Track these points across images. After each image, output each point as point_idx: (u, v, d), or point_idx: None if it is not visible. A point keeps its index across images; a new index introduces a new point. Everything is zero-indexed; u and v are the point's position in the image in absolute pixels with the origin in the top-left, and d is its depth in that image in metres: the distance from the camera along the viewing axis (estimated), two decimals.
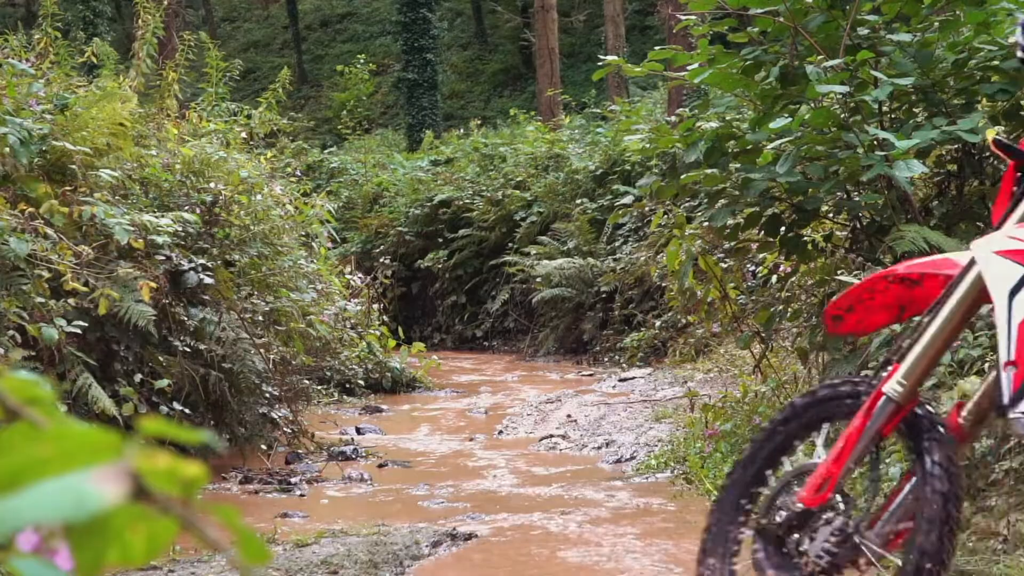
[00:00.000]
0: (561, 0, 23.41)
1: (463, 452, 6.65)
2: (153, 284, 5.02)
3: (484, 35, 30.90)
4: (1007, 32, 4.14)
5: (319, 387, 8.41)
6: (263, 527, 4.51)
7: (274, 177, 7.39)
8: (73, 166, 5.19)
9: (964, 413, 2.39)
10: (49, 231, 4.73)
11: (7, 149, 4.67)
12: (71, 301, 4.72)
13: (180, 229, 5.56)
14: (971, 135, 3.96)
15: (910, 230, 3.98)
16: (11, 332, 4.43)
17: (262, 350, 6.20)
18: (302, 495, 5.50)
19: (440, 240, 14.15)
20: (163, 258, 5.47)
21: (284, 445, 6.53)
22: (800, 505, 2.45)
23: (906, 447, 2.43)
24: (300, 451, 6.45)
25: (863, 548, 2.37)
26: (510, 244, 13.23)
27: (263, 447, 6.28)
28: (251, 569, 0.47)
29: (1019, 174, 2.44)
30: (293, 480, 5.74)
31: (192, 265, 5.68)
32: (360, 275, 10.68)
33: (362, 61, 26.90)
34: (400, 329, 10.84)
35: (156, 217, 5.33)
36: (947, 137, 4.05)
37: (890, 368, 2.41)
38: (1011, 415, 2.17)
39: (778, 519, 2.48)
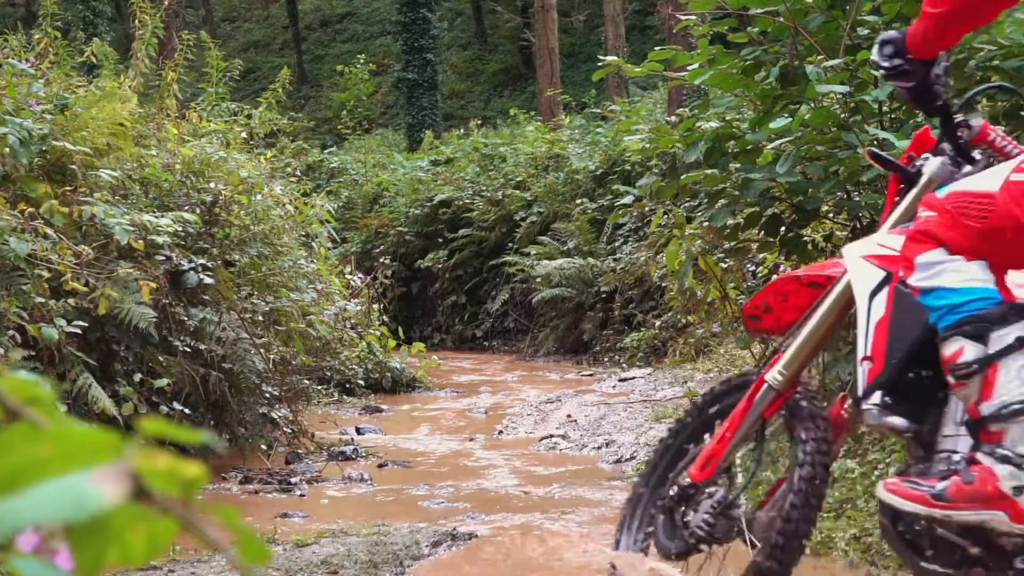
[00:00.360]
0: (561, 0, 23.41)
1: (463, 452, 6.65)
2: (153, 284, 5.02)
3: (484, 35, 30.91)
4: (1008, 31, 4.14)
5: (319, 387, 8.41)
6: (263, 527, 4.51)
7: (274, 177, 7.39)
8: (73, 166, 5.19)
9: (847, 405, 2.53)
10: (49, 231, 4.73)
11: (7, 149, 4.67)
12: (71, 301, 4.72)
13: (180, 229, 5.56)
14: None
15: None
16: (11, 332, 4.43)
17: (262, 350, 6.20)
18: (302, 495, 5.50)
19: (440, 240, 14.15)
20: (163, 258, 5.47)
21: (284, 445, 6.53)
22: (688, 480, 2.69)
23: (786, 429, 2.60)
24: (300, 451, 6.45)
25: (744, 524, 2.58)
26: (510, 244, 13.23)
27: (263, 447, 6.28)
28: (251, 569, 0.47)
29: (901, 186, 2.61)
30: (293, 480, 5.74)
31: (192, 265, 5.68)
32: (360, 275, 10.68)
33: (362, 61, 26.91)
34: (400, 329, 10.84)
35: (156, 217, 5.33)
36: None
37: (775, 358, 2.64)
38: (864, 406, 2.33)
39: (671, 493, 2.73)
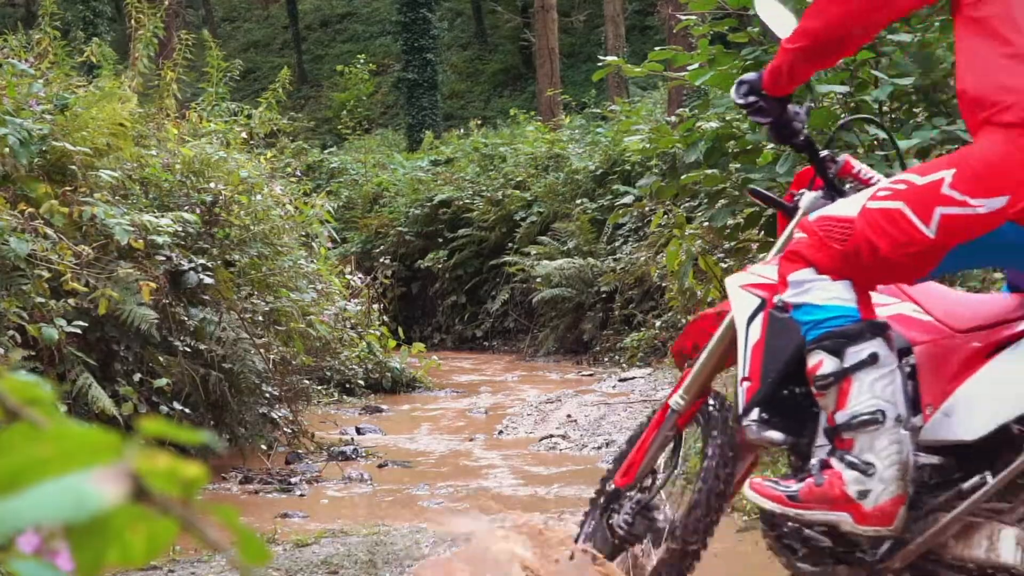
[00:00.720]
0: (561, 0, 23.41)
1: (463, 452, 6.65)
2: (153, 284, 5.02)
3: (484, 35, 30.90)
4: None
5: (319, 387, 8.41)
6: (263, 527, 4.52)
7: (274, 177, 7.39)
8: (73, 166, 5.19)
9: None
10: (49, 231, 4.73)
11: (7, 149, 4.67)
12: (71, 301, 4.72)
13: (180, 229, 5.56)
14: (971, 135, 3.96)
15: None
16: (11, 332, 4.43)
17: (262, 350, 6.20)
18: (302, 495, 5.50)
19: (440, 240, 14.15)
20: (163, 258, 5.47)
21: (284, 445, 6.53)
22: (612, 486, 2.99)
23: (701, 435, 2.85)
24: (300, 451, 6.45)
25: (668, 528, 2.82)
26: (510, 244, 13.23)
27: (263, 447, 6.27)
28: (251, 569, 0.47)
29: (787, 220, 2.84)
30: (293, 480, 5.74)
31: (192, 265, 5.68)
32: (360, 275, 10.67)
33: (362, 61, 26.90)
34: (400, 329, 10.83)
35: (156, 217, 5.33)
36: (947, 137, 4.05)
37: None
38: (744, 422, 2.53)
39: (601, 500, 3.04)
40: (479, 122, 18.44)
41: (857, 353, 2.28)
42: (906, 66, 4.25)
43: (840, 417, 2.28)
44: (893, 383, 2.27)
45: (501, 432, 7.26)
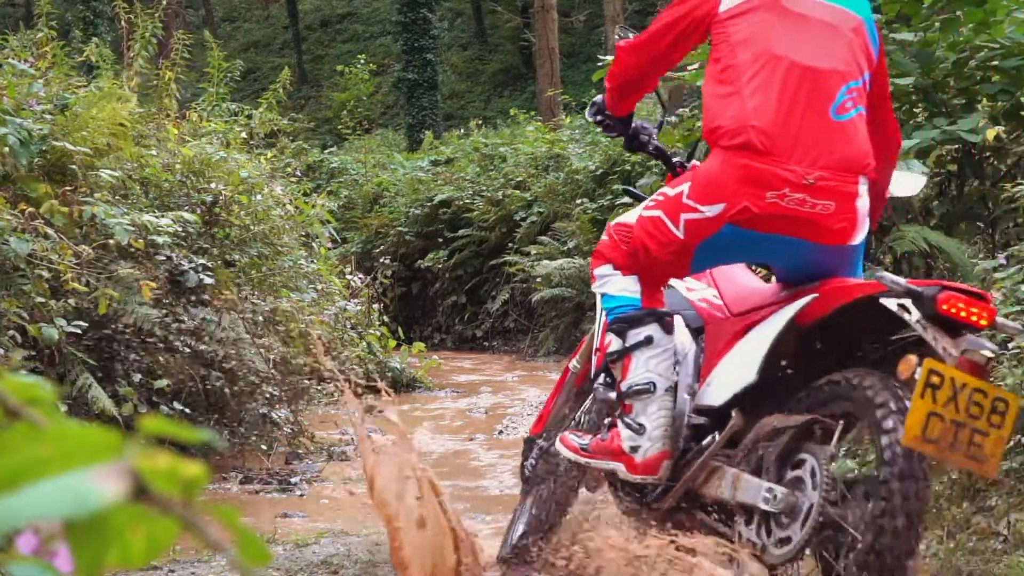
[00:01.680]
0: (561, 0, 23.40)
1: (463, 452, 6.64)
2: (153, 284, 5.02)
3: (484, 35, 30.90)
4: (1008, 31, 4.15)
5: (319, 387, 8.40)
6: (263, 527, 4.51)
7: (274, 177, 7.38)
8: (73, 166, 5.19)
9: None
10: (49, 231, 4.73)
11: (7, 149, 4.67)
12: (71, 301, 4.72)
13: (180, 229, 5.55)
14: (971, 135, 3.97)
15: (911, 230, 3.99)
16: (11, 332, 4.43)
17: (262, 350, 6.20)
18: (302, 495, 5.50)
19: (440, 240, 14.13)
20: (163, 258, 5.47)
21: (284, 445, 6.53)
22: (527, 434, 3.56)
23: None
24: (300, 451, 6.45)
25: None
26: (510, 244, 13.21)
27: (263, 447, 6.27)
28: (251, 569, 0.47)
29: None
30: (293, 480, 5.74)
31: (192, 265, 5.67)
32: (360, 275, 10.66)
33: (362, 61, 26.88)
34: (400, 329, 10.82)
35: (156, 217, 5.33)
36: (947, 137, 4.05)
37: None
38: (595, 385, 3.02)
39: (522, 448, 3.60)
40: (479, 122, 18.42)
41: (636, 335, 2.78)
42: (906, 65, 4.24)
43: (623, 386, 2.79)
44: (666, 360, 2.77)
45: (501, 432, 7.26)
